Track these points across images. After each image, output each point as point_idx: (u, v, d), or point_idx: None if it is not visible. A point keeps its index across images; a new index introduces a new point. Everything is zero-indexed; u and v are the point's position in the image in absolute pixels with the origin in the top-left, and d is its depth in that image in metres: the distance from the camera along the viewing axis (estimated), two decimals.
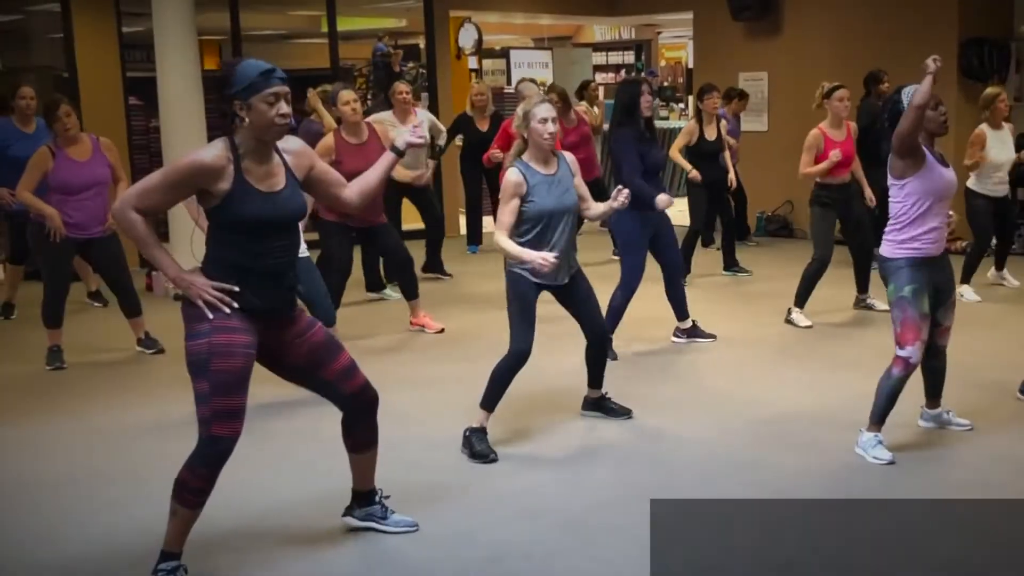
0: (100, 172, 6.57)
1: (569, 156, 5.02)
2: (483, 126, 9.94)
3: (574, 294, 5.00)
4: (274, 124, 3.40)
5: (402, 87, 8.60)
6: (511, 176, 4.77)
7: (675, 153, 8.72)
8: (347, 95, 6.90)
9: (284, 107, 3.41)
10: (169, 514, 3.51)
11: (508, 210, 4.74)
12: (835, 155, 7.02)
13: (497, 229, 4.78)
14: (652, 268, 6.59)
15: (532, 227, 4.76)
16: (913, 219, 4.60)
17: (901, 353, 4.61)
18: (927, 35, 10.19)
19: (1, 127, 7.77)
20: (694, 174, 8.55)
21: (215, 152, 3.40)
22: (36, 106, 7.67)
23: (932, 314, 4.71)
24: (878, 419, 4.68)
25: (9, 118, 7.76)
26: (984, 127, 7.82)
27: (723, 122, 9.05)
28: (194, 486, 3.45)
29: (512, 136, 7.28)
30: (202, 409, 3.41)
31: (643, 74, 17.98)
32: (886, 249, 4.71)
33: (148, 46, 9.04)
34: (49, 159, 6.46)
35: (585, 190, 5.03)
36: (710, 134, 8.71)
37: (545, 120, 4.73)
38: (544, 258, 4.56)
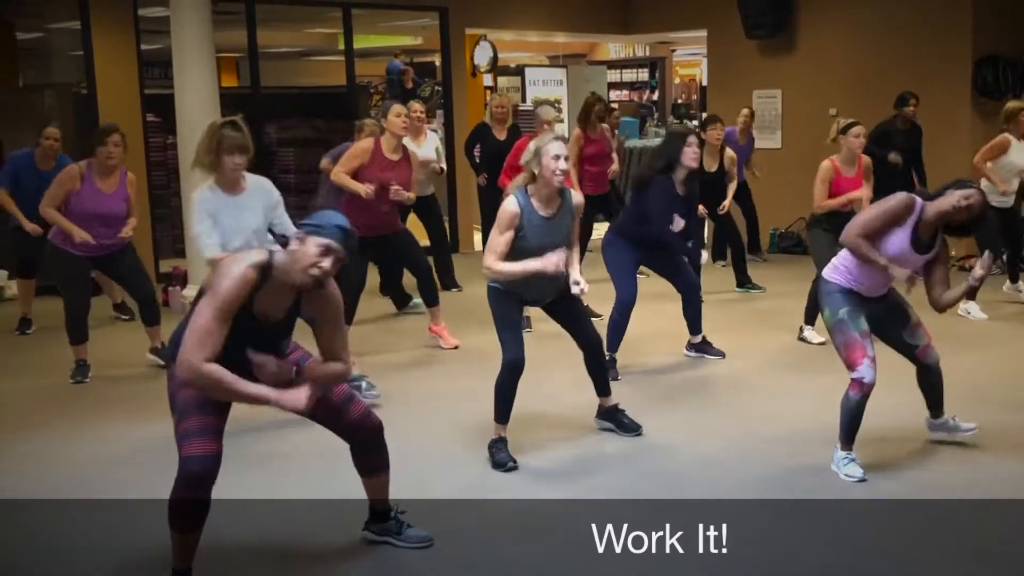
0: (119, 207, 6.55)
1: (578, 199, 4.97)
2: (500, 135, 10.03)
3: (565, 309, 5.03)
4: (307, 270, 3.36)
5: (416, 106, 8.62)
6: (509, 206, 4.72)
7: None
8: (399, 108, 6.96)
9: (327, 263, 3.36)
10: (170, 539, 3.55)
11: (503, 240, 4.70)
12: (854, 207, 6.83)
13: (489, 254, 4.73)
14: (656, 286, 6.62)
15: (516, 258, 4.73)
16: (861, 264, 4.60)
17: (854, 375, 4.55)
18: (941, 52, 10.22)
19: (21, 159, 7.73)
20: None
21: (252, 272, 3.37)
22: (59, 147, 7.66)
23: (898, 339, 4.74)
24: (846, 439, 4.65)
25: (33, 150, 7.72)
26: (1008, 135, 7.91)
27: (727, 151, 9.05)
28: (179, 512, 3.47)
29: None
30: (176, 437, 3.46)
31: (647, 90, 18.07)
32: (827, 271, 4.73)
33: (166, 63, 9.13)
34: (77, 180, 6.43)
35: (576, 235, 5.02)
36: (709, 165, 8.61)
37: (557, 157, 4.68)
38: (551, 261, 4.58)
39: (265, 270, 3.40)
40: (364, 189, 6.61)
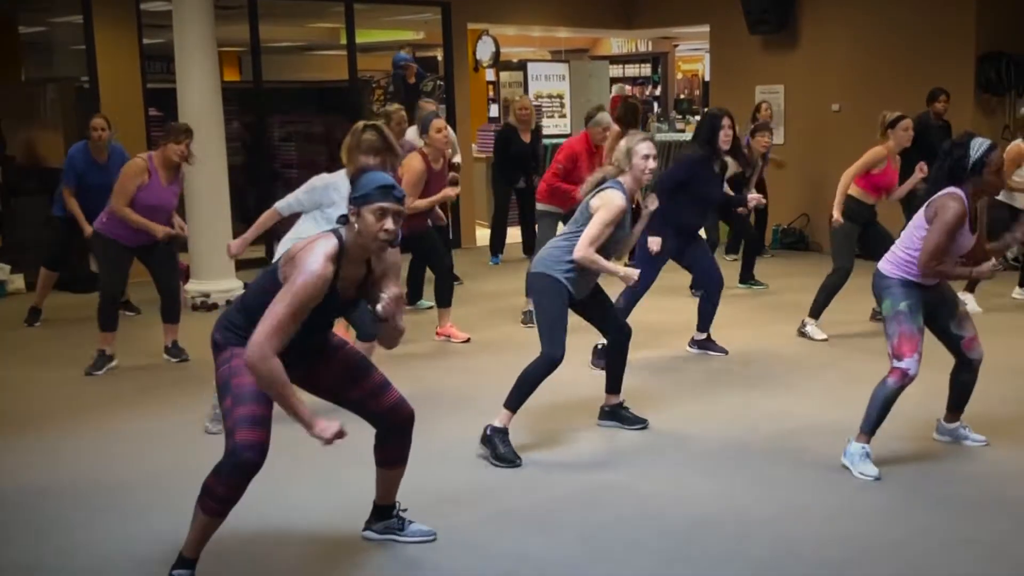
0: (172, 200, 6.70)
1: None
2: (526, 138, 10.21)
3: (596, 302, 5.17)
4: (377, 237, 3.43)
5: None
6: (620, 202, 4.99)
7: None
8: (440, 123, 7.21)
9: (390, 224, 3.43)
10: (192, 518, 3.55)
11: (607, 232, 4.96)
12: None
13: (589, 244, 4.92)
14: (667, 281, 6.62)
15: (602, 245, 4.99)
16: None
17: (899, 364, 4.58)
18: (944, 49, 10.20)
19: (78, 156, 7.79)
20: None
21: (330, 266, 3.41)
22: (108, 136, 7.76)
23: (945, 328, 4.76)
24: (869, 429, 4.66)
25: (86, 143, 7.80)
26: (1020, 141, 7.98)
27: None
28: (218, 494, 3.47)
29: (577, 155, 7.54)
30: (228, 422, 3.47)
31: (650, 85, 18.03)
32: (884, 266, 4.74)
33: (168, 58, 9.12)
34: (146, 174, 6.51)
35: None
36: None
37: (647, 156, 5.05)
38: (632, 277, 5.03)
39: (339, 255, 3.46)
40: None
